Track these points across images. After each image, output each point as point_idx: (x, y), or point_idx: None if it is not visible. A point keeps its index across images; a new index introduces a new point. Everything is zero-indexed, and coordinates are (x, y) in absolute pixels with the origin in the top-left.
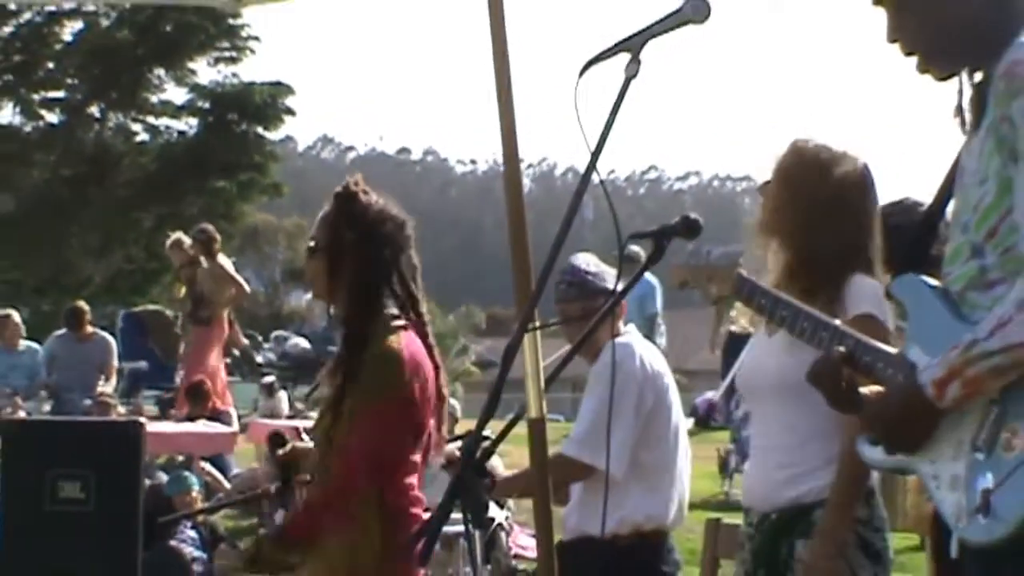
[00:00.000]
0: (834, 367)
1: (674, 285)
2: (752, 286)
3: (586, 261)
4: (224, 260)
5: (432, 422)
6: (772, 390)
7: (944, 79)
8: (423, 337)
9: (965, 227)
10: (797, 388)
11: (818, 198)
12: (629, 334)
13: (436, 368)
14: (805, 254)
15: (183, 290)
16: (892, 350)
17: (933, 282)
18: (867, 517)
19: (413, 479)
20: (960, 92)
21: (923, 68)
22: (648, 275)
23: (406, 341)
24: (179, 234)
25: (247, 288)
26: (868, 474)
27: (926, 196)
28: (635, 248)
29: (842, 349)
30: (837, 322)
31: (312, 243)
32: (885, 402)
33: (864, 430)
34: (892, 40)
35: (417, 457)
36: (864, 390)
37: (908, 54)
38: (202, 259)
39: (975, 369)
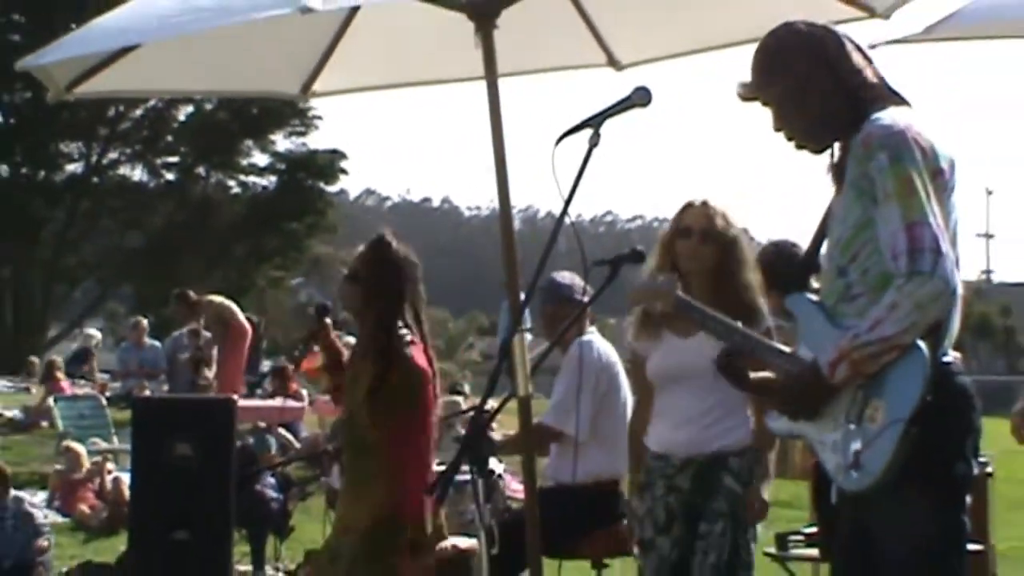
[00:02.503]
0: (732, 357)
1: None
2: (687, 303)
3: (562, 275)
4: (212, 298)
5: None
6: (699, 373)
7: (819, 152)
8: (425, 349)
9: (832, 255)
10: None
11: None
12: (592, 334)
13: (434, 373)
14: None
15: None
16: (781, 346)
17: (815, 298)
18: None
19: (428, 452)
20: (832, 157)
21: (800, 146)
22: None
23: (419, 356)
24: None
25: (233, 306)
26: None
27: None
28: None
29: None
30: (741, 326)
31: (352, 273)
32: (792, 380)
33: (770, 405)
34: (777, 130)
35: (430, 435)
36: (761, 374)
37: (789, 139)
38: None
39: (858, 354)
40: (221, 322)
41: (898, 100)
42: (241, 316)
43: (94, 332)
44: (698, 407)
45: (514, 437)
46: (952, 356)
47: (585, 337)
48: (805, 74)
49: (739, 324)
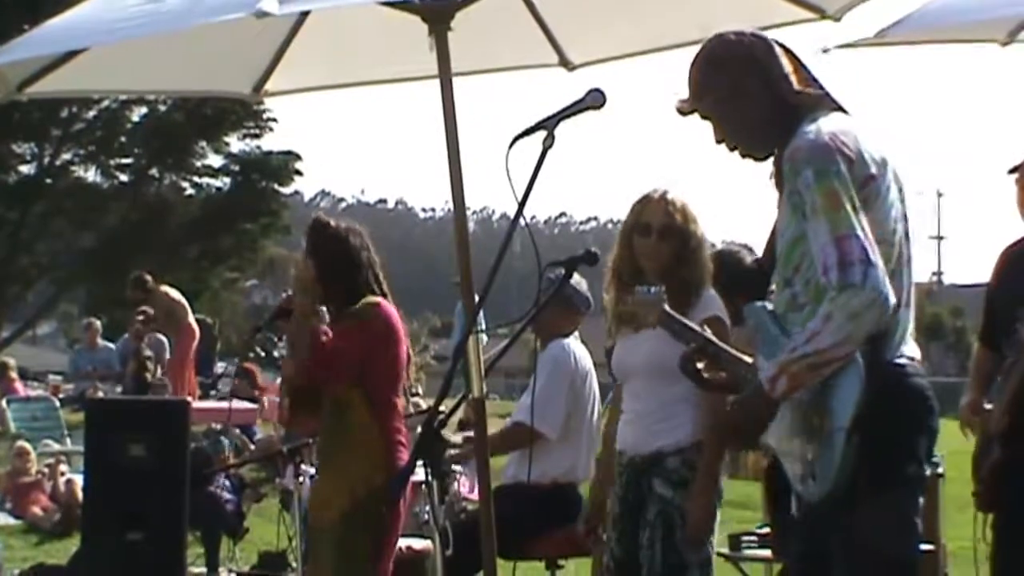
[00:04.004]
0: (692, 359)
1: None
2: (671, 316)
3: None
4: (168, 290)
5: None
6: (646, 372)
7: (763, 160)
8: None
9: (779, 266)
10: (662, 371)
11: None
12: (572, 337)
13: (405, 331)
14: (675, 282)
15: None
16: (745, 357)
17: (770, 306)
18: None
19: (400, 423)
20: (775, 164)
21: (744, 155)
22: None
23: (384, 304)
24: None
25: (186, 304)
26: (726, 441)
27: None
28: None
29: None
30: (711, 336)
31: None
32: (740, 398)
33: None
34: (718, 142)
35: (400, 401)
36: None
37: (732, 149)
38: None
39: (796, 367)
40: (171, 319)
41: (830, 104)
42: (191, 317)
43: (11, 360)
44: (642, 405)
45: (491, 436)
46: (908, 358)
47: (563, 340)
48: (735, 84)
49: (710, 334)
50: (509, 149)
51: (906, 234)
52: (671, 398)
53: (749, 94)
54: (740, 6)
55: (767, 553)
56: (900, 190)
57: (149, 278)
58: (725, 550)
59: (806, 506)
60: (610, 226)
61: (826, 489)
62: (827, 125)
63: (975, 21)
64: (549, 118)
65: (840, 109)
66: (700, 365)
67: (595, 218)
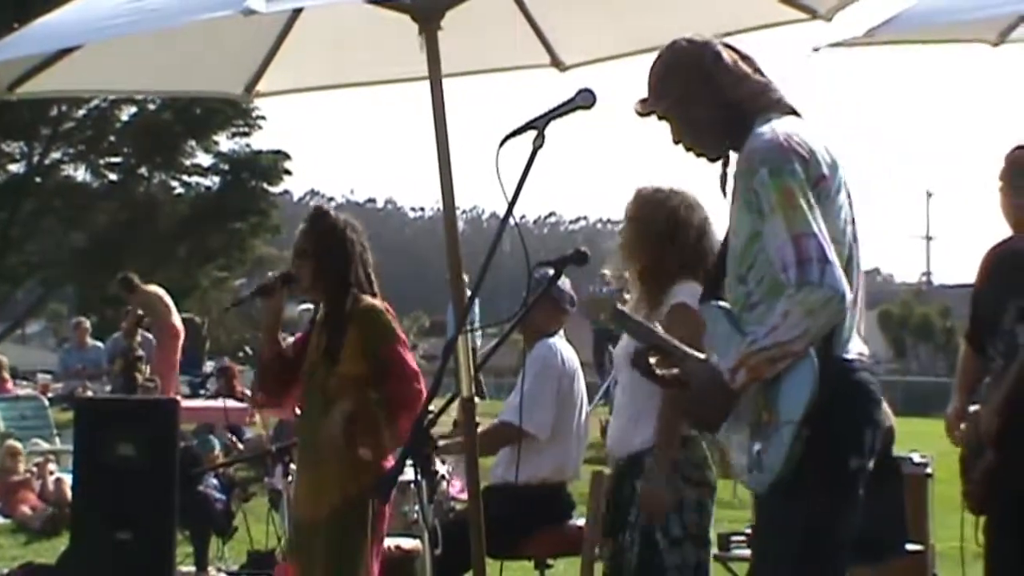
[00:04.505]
0: (645, 356)
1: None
2: (623, 314)
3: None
4: (153, 289)
5: None
6: (626, 365)
7: (715, 161)
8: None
9: (732, 265)
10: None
11: (653, 227)
12: (558, 336)
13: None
14: (644, 268)
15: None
16: (697, 353)
17: (725, 305)
18: (685, 456)
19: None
20: (724, 168)
21: (698, 155)
22: None
23: (382, 304)
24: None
25: (170, 304)
26: (679, 425)
27: None
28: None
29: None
30: (663, 333)
31: (300, 250)
32: (697, 387)
33: (682, 411)
34: (676, 143)
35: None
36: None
37: (688, 149)
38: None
39: (756, 359)
40: (152, 315)
41: (784, 108)
42: (175, 316)
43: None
44: (622, 400)
45: (457, 439)
46: (856, 353)
47: (549, 339)
48: (685, 90)
49: (661, 331)
50: (499, 149)
51: (854, 236)
52: (645, 393)
53: (698, 100)
54: (730, 7)
55: None
56: (848, 195)
57: (135, 278)
58: (715, 550)
59: (754, 494)
60: (599, 226)
61: (770, 479)
62: (780, 126)
63: (965, 21)
64: (539, 118)
65: (793, 112)
66: (652, 361)
67: (584, 218)
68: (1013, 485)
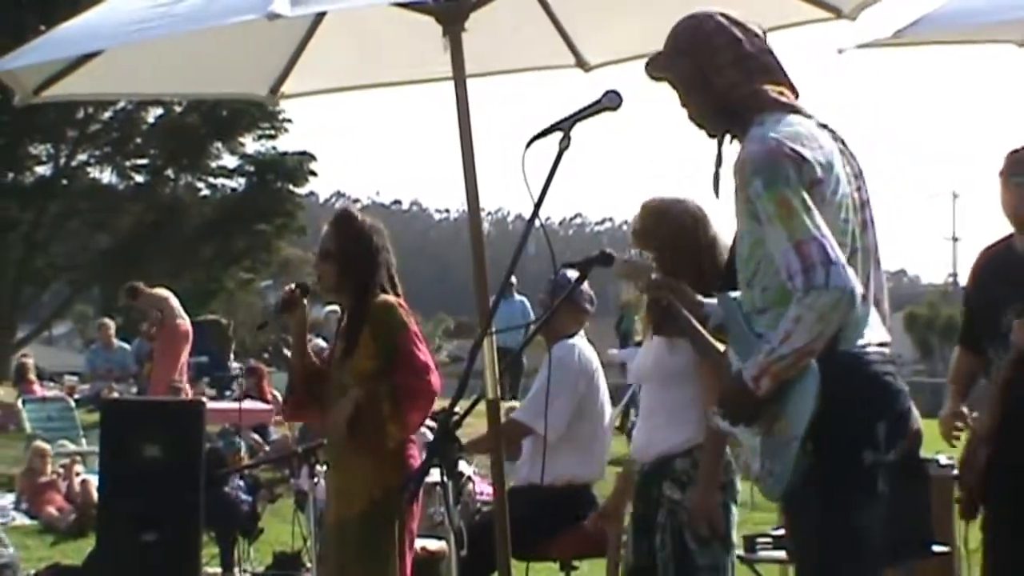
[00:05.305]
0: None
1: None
2: (657, 283)
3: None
4: (157, 292)
5: None
6: (653, 376)
7: (712, 137)
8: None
9: (740, 268)
10: (668, 376)
11: (660, 237)
12: (578, 337)
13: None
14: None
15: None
16: (719, 345)
17: (738, 298)
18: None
19: None
20: (717, 161)
21: (698, 126)
22: None
23: (397, 300)
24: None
25: (159, 311)
26: (725, 439)
27: None
28: (563, 273)
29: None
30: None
31: (324, 251)
32: (727, 391)
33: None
34: (683, 107)
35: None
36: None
37: (689, 118)
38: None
39: (776, 367)
40: (151, 318)
41: (784, 105)
42: (179, 317)
43: (29, 361)
44: (648, 409)
45: (482, 438)
46: (875, 344)
47: (569, 340)
48: (691, 74)
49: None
50: (525, 150)
51: (867, 222)
52: (676, 403)
53: (700, 87)
54: (754, 5)
55: (782, 555)
56: (857, 176)
57: (139, 285)
58: (740, 552)
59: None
60: (625, 227)
61: (781, 488)
62: (774, 129)
63: (992, 22)
64: (565, 119)
65: (794, 109)
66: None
67: (610, 219)
68: (1010, 481)
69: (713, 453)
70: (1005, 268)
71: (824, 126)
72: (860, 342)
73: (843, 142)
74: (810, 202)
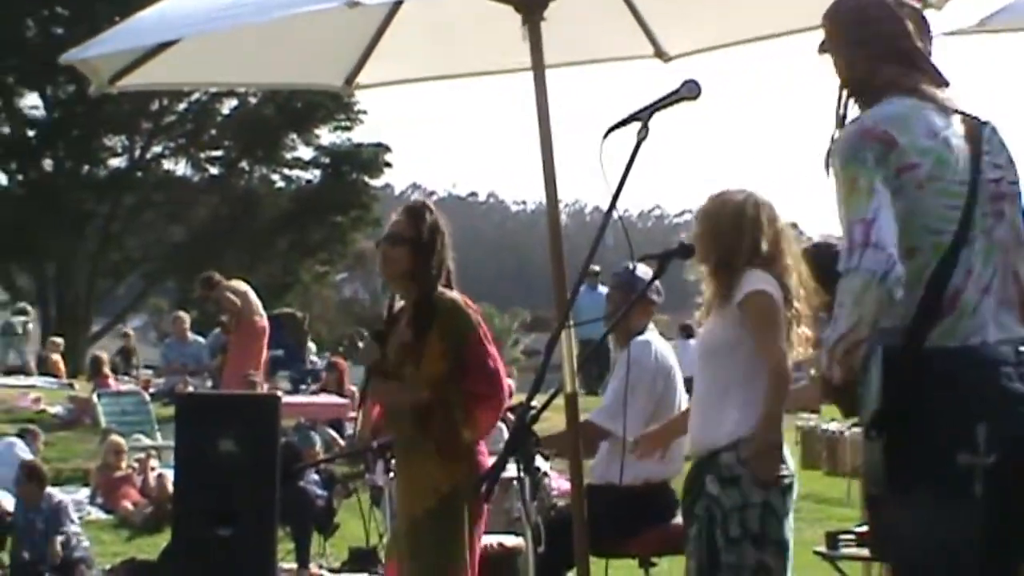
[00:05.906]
0: None
1: None
2: None
3: (641, 268)
4: (236, 284)
5: None
6: (701, 356)
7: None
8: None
9: None
10: (716, 349)
11: (720, 224)
12: (651, 332)
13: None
14: (716, 262)
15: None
16: None
17: None
18: None
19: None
20: (831, 145)
21: (849, 96)
22: None
23: (462, 298)
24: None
25: (237, 302)
26: (780, 412)
27: None
28: (643, 268)
29: None
30: None
31: (395, 236)
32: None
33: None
34: (839, 76)
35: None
36: None
37: (842, 87)
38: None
39: (834, 352)
40: (229, 310)
41: (902, 87)
42: (257, 314)
43: (128, 330)
44: (699, 389)
45: (560, 434)
46: (993, 339)
47: (642, 337)
48: (842, 40)
49: None
50: (603, 141)
51: (1001, 214)
52: (720, 381)
53: (845, 60)
54: None
55: (865, 552)
56: (1000, 166)
57: (215, 275)
58: (822, 548)
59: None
60: None
61: (868, 487)
62: (876, 112)
63: None
64: (643, 110)
65: (912, 90)
66: None
67: (689, 211)
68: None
69: (775, 402)
70: None
71: (956, 111)
72: (975, 339)
73: (993, 129)
74: (880, 185)
